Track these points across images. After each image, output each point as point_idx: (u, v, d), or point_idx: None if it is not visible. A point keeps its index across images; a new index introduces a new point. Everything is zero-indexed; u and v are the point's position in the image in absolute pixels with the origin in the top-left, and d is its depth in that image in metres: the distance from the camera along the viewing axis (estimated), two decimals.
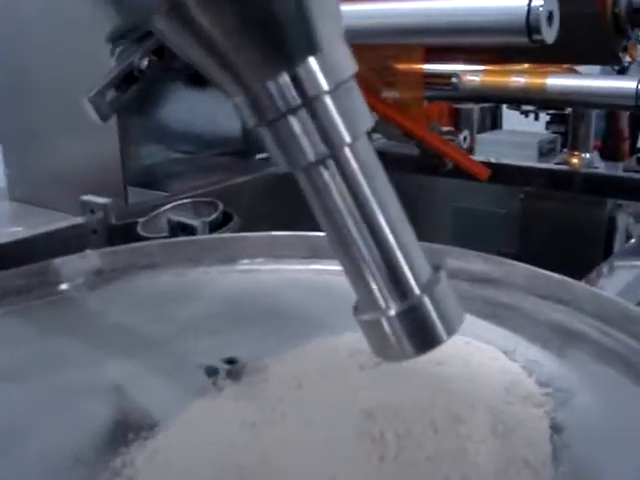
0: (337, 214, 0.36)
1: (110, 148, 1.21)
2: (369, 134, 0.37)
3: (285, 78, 0.34)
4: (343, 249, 0.38)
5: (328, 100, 0.35)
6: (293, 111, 0.34)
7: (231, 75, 0.35)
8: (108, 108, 0.94)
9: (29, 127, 1.33)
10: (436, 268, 0.39)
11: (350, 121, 0.35)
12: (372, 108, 1.11)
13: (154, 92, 1.32)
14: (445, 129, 1.31)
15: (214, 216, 0.84)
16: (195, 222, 0.78)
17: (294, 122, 0.35)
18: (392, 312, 0.37)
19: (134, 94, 0.99)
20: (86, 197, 0.89)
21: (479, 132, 2.84)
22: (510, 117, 3.04)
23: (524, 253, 1.43)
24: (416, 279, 0.38)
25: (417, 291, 0.37)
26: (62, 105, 1.16)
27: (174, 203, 0.90)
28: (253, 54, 0.34)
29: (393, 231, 0.37)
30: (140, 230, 0.85)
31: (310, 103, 0.34)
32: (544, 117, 2.96)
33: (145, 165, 1.30)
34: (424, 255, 0.39)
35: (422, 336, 0.38)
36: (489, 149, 2.44)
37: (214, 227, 0.83)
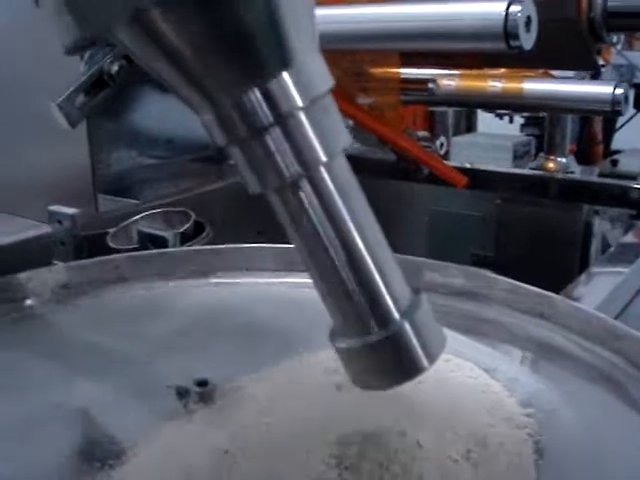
0: (312, 237, 0.34)
1: (80, 154, 1.19)
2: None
3: (257, 94, 0.32)
4: (319, 274, 0.36)
5: (302, 117, 0.33)
6: (265, 129, 0.32)
7: (199, 91, 0.33)
8: (77, 114, 0.92)
9: None
10: (416, 291, 0.37)
11: (326, 139, 0.33)
12: (347, 114, 1.09)
13: (124, 97, 1.29)
14: (421, 134, 1.29)
15: (185, 227, 0.81)
16: (166, 234, 0.76)
17: (266, 141, 0.33)
18: (371, 340, 0.36)
19: (104, 99, 0.97)
20: (53, 207, 0.86)
21: (454, 135, 2.84)
22: (485, 119, 3.04)
23: (501, 257, 1.43)
24: (396, 304, 0.36)
25: (397, 317, 0.36)
26: (31, 110, 1.13)
27: (144, 213, 0.87)
28: (222, 68, 0.32)
29: (371, 254, 0.35)
30: (109, 241, 0.83)
31: (283, 120, 0.32)
32: (519, 120, 2.97)
33: (116, 172, 1.27)
34: (404, 278, 0.37)
35: (402, 365, 0.36)
36: (464, 152, 2.44)
37: (186, 238, 0.80)
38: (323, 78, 0.34)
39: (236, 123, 0.32)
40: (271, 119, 0.32)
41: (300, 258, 0.36)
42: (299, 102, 0.32)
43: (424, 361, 0.36)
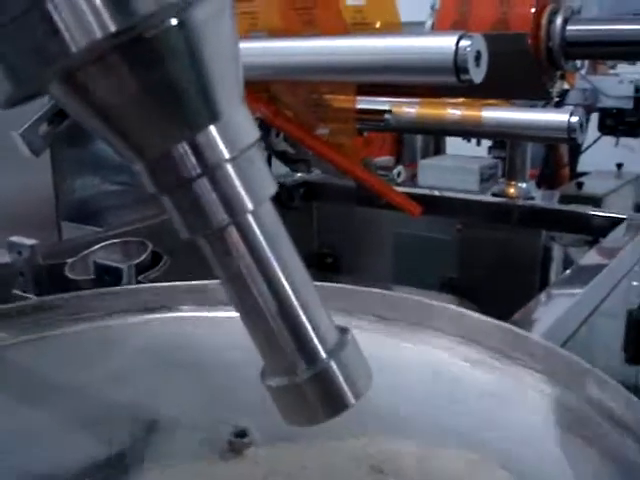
0: (240, 280, 0.36)
1: (43, 182, 1.20)
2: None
3: (185, 147, 0.33)
4: (247, 315, 0.37)
5: (229, 168, 0.34)
6: (193, 180, 0.34)
7: (129, 145, 0.34)
8: (40, 142, 0.93)
9: None
10: (343, 330, 0.39)
11: (252, 188, 0.35)
12: (306, 145, 1.11)
13: None
14: (381, 161, 1.31)
15: (142, 258, 0.82)
16: (121, 265, 0.77)
17: (194, 190, 0.34)
18: (299, 378, 0.37)
19: (67, 128, 0.98)
20: (14, 238, 0.87)
21: (423, 157, 2.88)
22: (454, 142, 3.08)
23: (465, 280, 1.45)
24: (322, 343, 0.37)
25: (323, 356, 0.37)
26: None
27: (103, 244, 0.88)
28: (151, 124, 0.33)
29: (297, 296, 0.37)
30: (67, 272, 0.84)
31: (210, 171, 0.34)
32: (486, 142, 3.01)
33: (79, 199, 1.28)
34: (330, 318, 0.38)
35: (330, 401, 0.38)
36: (432, 175, 2.47)
37: (142, 269, 0.81)
38: (249, 130, 0.35)
39: (165, 174, 0.34)
40: (199, 170, 0.34)
41: (230, 300, 0.37)
42: (226, 154, 0.34)
43: (350, 398, 0.38)
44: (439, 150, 3.03)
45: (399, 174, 1.10)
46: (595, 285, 0.98)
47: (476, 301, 1.30)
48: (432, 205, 1.30)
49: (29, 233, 0.96)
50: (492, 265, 1.42)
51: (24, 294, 0.87)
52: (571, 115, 1.26)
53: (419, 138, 2.82)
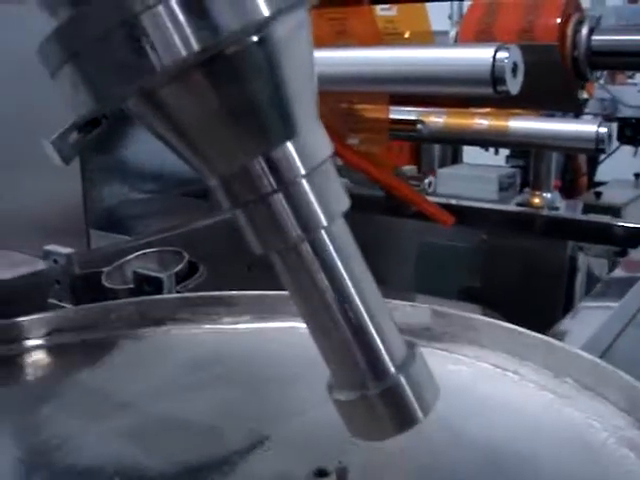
0: (313, 297, 0.36)
1: (72, 190, 1.20)
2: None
3: (262, 163, 0.34)
4: (319, 331, 0.37)
5: (304, 183, 0.34)
6: (269, 195, 0.34)
7: (206, 161, 0.34)
8: (70, 150, 0.93)
9: None
10: (411, 346, 0.39)
11: (326, 203, 0.35)
12: (337, 154, 1.11)
13: (116, 133, 1.31)
14: (408, 170, 1.32)
15: (179, 267, 0.83)
16: (161, 275, 0.77)
17: (269, 206, 0.34)
18: (369, 393, 0.37)
19: (97, 136, 0.98)
20: (49, 247, 0.88)
21: (440, 166, 2.88)
22: (471, 151, 3.08)
23: (488, 290, 1.45)
24: (392, 359, 0.37)
25: (393, 371, 0.37)
26: (23, 146, 1.14)
27: (138, 253, 0.89)
28: (229, 140, 0.33)
29: (369, 312, 0.37)
30: (104, 281, 0.84)
31: (286, 187, 0.34)
32: (504, 151, 3.01)
33: (107, 207, 1.29)
34: (399, 334, 0.38)
35: (398, 417, 0.38)
36: (450, 184, 2.48)
37: (180, 279, 0.82)
38: (324, 145, 0.36)
39: (241, 189, 0.34)
40: (275, 186, 0.34)
41: (300, 315, 0.38)
42: (301, 170, 0.34)
43: (419, 413, 0.38)
44: (457, 159, 3.04)
45: (430, 184, 1.10)
46: (629, 298, 0.97)
47: (501, 311, 1.30)
48: (457, 215, 1.29)
49: (58, 240, 0.96)
50: (517, 275, 1.42)
51: (59, 303, 0.87)
52: (599, 126, 1.26)
53: (437, 147, 2.82)
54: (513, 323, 0.64)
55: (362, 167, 1.03)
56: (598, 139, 1.25)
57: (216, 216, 1.24)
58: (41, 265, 0.92)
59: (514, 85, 0.87)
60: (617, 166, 3.02)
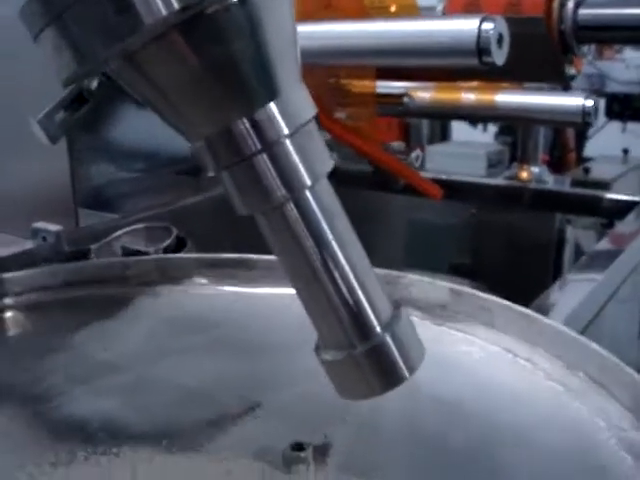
0: (298, 257, 0.36)
1: (60, 169, 1.19)
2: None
3: (245, 123, 0.34)
4: (305, 290, 0.38)
5: (288, 144, 0.35)
6: (253, 156, 0.34)
7: (190, 122, 0.35)
8: (57, 130, 0.93)
9: None
10: (396, 306, 0.39)
11: (310, 164, 0.35)
12: (325, 128, 1.11)
13: (103, 111, 1.30)
14: (396, 146, 1.32)
15: (168, 242, 0.83)
16: (149, 249, 0.77)
17: (254, 167, 0.34)
18: (354, 352, 0.37)
19: (83, 115, 0.98)
20: (38, 224, 0.88)
21: (429, 143, 2.88)
22: (460, 128, 3.08)
23: (478, 265, 1.46)
24: (377, 318, 0.38)
25: (379, 330, 0.37)
26: (9, 126, 1.13)
27: (127, 229, 0.89)
28: (212, 101, 0.34)
29: (354, 271, 0.37)
30: (93, 257, 0.84)
31: (270, 147, 0.34)
32: (493, 128, 3.01)
33: (95, 185, 1.28)
34: (385, 293, 0.39)
35: (385, 375, 0.38)
36: (439, 161, 2.48)
37: (168, 253, 0.82)
38: (307, 107, 0.36)
39: (225, 151, 0.34)
40: (258, 146, 0.34)
41: (287, 276, 0.38)
42: (285, 130, 0.34)
43: (404, 372, 0.38)
44: (445, 136, 3.04)
45: (417, 158, 1.10)
46: (612, 271, 0.98)
47: (490, 285, 1.31)
48: (446, 189, 1.30)
49: (46, 219, 0.96)
50: (506, 250, 1.43)
51: None
52: (586, 99, 1.26)
53: (425, 124, 2.82)
54: (500, 296, 0.64)
55: (350, 141, 1.03)
56: (585, 112, 1.25)
57: (204, 193, 1.24)
58: (30, 245, 0.92)
59: (500, 56, 0.87)
60: (605, 142, 3.02)
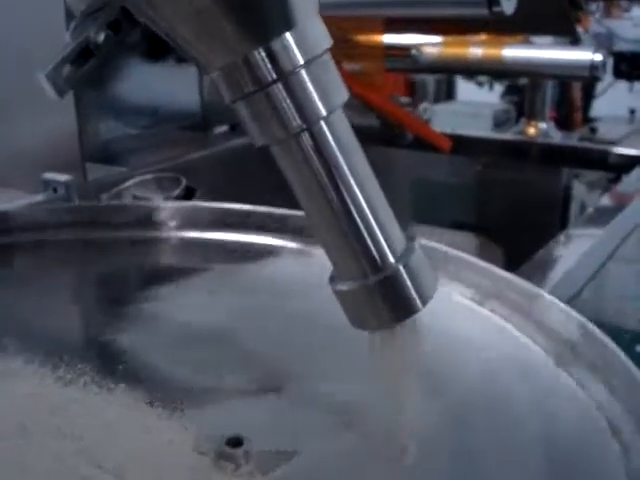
0: (313, 187, 0.37)
1: (67, 123, 1.19)
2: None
3: (261, 53, 0.34)
4: (320, 221, 0.38)
5: (303, 74, 0.35)
6: (268, 85, 0.35)
7: (207, 52, 0.35)
8: (64, 84, 0.93)
9: None
10: (410, 238, 0.40)
11: (325, 94, 0.36)
12: None
13: (110, 66, 1.30)
14: (404, 100, 1.31)
15: (178, 191, 0.83)
16: (160, 198, 0.78)
17: (269, 96, 0.35)
18: (368, 282, 0.38)
19: (90, 69, 0.98)
20: (48, 175, 0.88)
21: (434, 103, 2.86)
22: (465, 88, 3.06)
23: (483, 222, 1.46)
24: (391, 249, 0.38)
25: (393, 261, 0.38)
26: (17, 80, 1.13)
27: (136, 179, 0.89)
28: (229, 30, 0.34)
29: (368, 202, 0.37)
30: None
31: (285, 77, 0.35)
32: (499, 88, 2.99)
33: (103, 140, 1.28)
34: (398, 226, 0.39)
35: (397, 306, 0.39)
36: (444, 120, 2.47)
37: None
38: (323, 37, 0.36)
39: (242, 80, 0.35)
40: (274, 76, 0.34)
41: (301, 206, 0.38)
42: (300, 60, 0.35)
43: (417, 302, 0.39)
44: (451, 95, 3.02)
45: (425, 110, 1.10)
46: (612, 228, 0.98)
47: (496, 240, 1.31)
48: (453, 145, 1.30)
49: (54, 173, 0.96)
50: (512, 206, 1.43)
51: None
52: (594, 53, 1.26)
53: (431, 82, 2.80)
54: (506, 250, 0.65)
55: (359, 92, 1.03)
56: (593, 66, 1.25)
57: (212, 148, 1.24)
58: (40, 198, 0.93)
59: (509, 5, 0.87)
60: (612, 102, 3.00)
